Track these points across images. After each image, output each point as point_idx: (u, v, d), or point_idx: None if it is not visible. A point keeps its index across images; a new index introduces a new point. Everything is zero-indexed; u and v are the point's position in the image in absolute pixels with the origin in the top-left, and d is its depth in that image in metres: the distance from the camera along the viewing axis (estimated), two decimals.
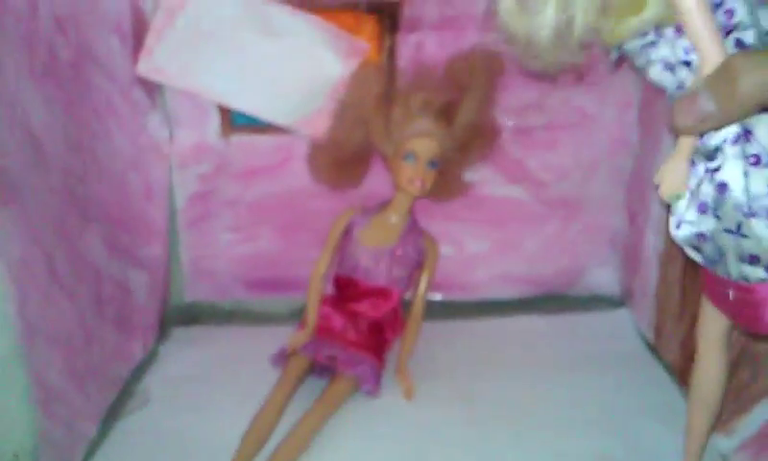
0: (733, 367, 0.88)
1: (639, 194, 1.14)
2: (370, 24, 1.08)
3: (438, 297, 1.24)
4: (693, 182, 0.63)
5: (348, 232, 1.06)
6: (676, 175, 0.64)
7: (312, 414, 0.92)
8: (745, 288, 0.63)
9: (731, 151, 0.59)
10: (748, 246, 0.60)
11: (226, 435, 0.90)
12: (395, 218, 1.05)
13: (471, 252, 1.20)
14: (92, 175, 0.91)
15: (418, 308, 1.09)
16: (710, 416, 0.80)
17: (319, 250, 1.14)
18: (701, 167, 0.62)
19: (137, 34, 1.04)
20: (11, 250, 0.70)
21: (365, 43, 1.06)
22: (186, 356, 1.10)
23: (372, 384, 0.99)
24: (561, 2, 0.63)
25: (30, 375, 0.74)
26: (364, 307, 1.06)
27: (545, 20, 0.64)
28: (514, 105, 1.12)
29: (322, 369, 1.01)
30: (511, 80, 1.07)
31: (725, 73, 0.55)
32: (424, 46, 1.09)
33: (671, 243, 1.03)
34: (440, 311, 1.22)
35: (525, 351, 1.11)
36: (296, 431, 0.90)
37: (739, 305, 0.65)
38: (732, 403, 0.88)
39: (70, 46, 0.85)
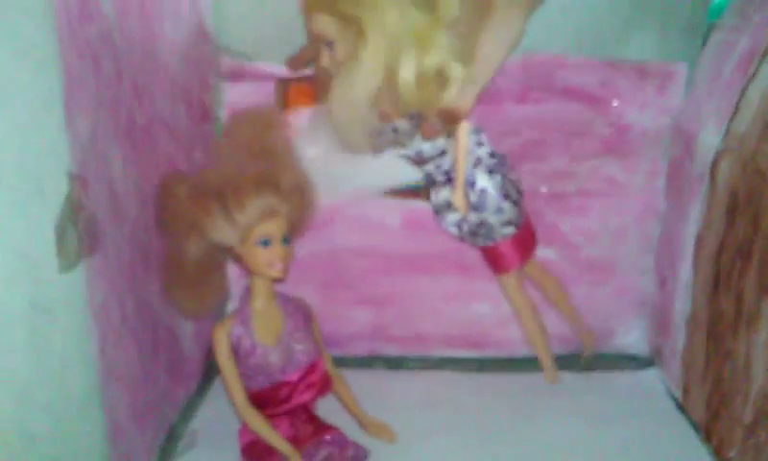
0: (752, 426, 0.92)
1: (669, 260, 1.20)
2: None
3: (474, 353, 1.29)
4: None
5: (236, 347, 0.98)
6: (464, 195, 1.10)
7: None
8: (502, 244, 1.14)
9: (477, 171, 1.10)
10: (506, 217, 1.11)
11: None
12: (267, 304, 1.00)
13: (507, 310, 1.25)
14: (154, 228, 0.98)
15: (331, 365, 1.07)
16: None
17: (356, 307, 1.24)
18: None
19: (202, 102, 1.13)
20: (94, 294, 0.77)
21: None
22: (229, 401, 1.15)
23: (364, 452, 1.01)
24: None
25: (105, 412, 0.80)
26: (301, 397, 1.01)
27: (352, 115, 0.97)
28: (546, 171, 1.19)
29: None
30: (544, 149, 1.15)
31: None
32: None
33: (697, 308, 1.08)
34: (475, 367, 1.28)
35: (556, 405, 1.15)
36: None
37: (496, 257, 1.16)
38: None
39: (144, 112, 0.94)
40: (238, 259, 0.98)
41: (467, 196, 1.11)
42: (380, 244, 1.24)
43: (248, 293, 1.00)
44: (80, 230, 0.73)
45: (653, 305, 1.26)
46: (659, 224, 1.23)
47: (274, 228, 0.94)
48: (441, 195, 1.14)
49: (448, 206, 1.13)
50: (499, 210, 1.10)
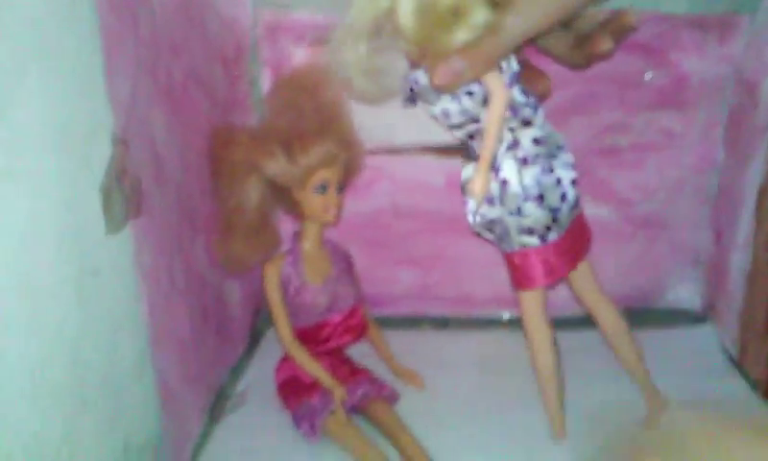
0: None
1: (726, 213, 1.16)
2: None
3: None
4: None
5: (286, 285, 1.03)
6: (485, 182, 0.86)
7: (405, 442, 0.94)
8: (519, 254, 0.90)
9: (506, 156, 0.86)
10: (527, 222, 0.87)
11: None
12: (316, 247, 1.04)
13: None
14: (199, 191, 0.98)
15: (369, 314, 1.12)
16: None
17: (402, 268, 1.23)
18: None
19: (238, 61, 1.11)
20: (143, 257, 0.76)
21: None
22: (277, 361, 1.15)
23: (397, 394, 1.05)
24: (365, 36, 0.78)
25: (156, 374, 0.80)
26: (340, 339, 1.06)
27: (353, 55, 0.80)
28: (599, 125, 1.15)
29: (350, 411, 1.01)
30: (596, 101, 1.10)
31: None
32: None
33: (758, 263, 1.04)
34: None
35: (608, 363, 1.12)
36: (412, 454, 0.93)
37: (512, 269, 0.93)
38: None
39: (182, 71, 0.92)
40: (292, 205, 1.02)
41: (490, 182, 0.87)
42: (425, 204, 1.22)
43: (298, 236, 1.05)
44: (125, 193, 0.72)
45: (708, 260, 1.23)
46: (715, 176, 1.18)
47: (331, 174, 0.99)
48: (465, 171, 0.92)
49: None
50: (518, 212, 0.87)
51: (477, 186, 0.86)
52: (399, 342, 1.16)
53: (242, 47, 1.13)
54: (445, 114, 0.86)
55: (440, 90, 0.82)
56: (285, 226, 1.08)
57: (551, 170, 0.87)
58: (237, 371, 1.14)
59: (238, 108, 1.13)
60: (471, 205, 0.90)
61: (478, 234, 0.95)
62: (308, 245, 1.04)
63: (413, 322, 1.29)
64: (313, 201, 0.99)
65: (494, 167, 0.86)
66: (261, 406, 1.06)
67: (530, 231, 0.88)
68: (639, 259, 1.24)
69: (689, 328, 1.23)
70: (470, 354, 1.20)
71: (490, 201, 0.88)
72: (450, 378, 1.12)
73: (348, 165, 1.03)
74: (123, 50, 0.74)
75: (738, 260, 1.11)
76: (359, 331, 1.08)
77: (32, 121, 0.57)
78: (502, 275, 1.24)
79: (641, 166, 1.18)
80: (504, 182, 0.86)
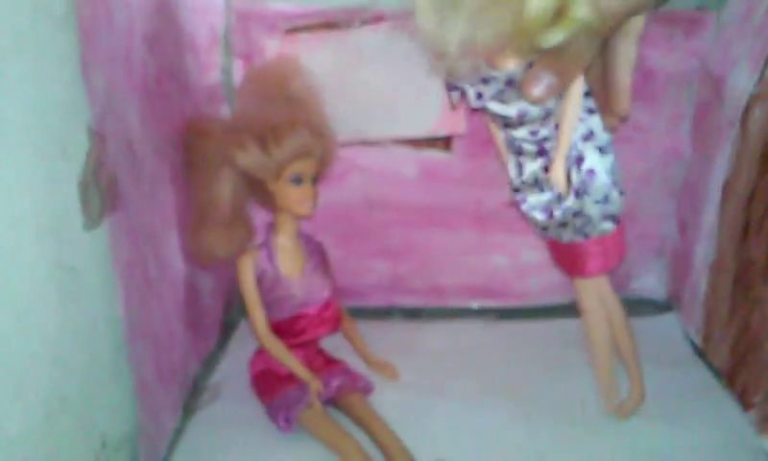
0: None
1: (691, 205, 1.18)
2: None
3: (493, 303, 1.30)
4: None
5: (261, 278, 1.02)
6: (565, 170, 0.85)
7: (381, 433, 0.94)
8: (596, 241, 0.91)
9: (586, 146, 0.84)
10: (610, 209, 0.87)
11: None
12: (292, 240, 1.04)
13: (525, 261, 1.24)
14: (171, 184, 0.97)
15: (342, 306, 1.12)
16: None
17: (374, 259, 1.23)
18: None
19: (210, 51, 1.10)
20: (119, 252, 0.76)
21: None
22: (250, 353, 1.15)
23: (371, 385, 1.05)
24: (471, 17, 0.70)
25: (132, 370, 0.80)
26: (315, 331, 1.05)
27: (454, 32, 0.71)
28: None
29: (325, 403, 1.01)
30: None
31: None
32: None
33: (722, 254, 1.07)
34: (494, 316, 1.28)
35: (574, 352, 1.15)
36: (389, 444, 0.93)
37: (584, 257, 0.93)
38: None
39: (156, 62, 0.91)
40: (267, 197, 1.02)
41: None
42: (397, 196, 1.22)
43: (273, 228, 1.05)
44: (102, 188, 0.71)
45: (673, 250, 1.26)
46: (682, 169, 1.21)
47: (306, 167, 0.99)
48: (528, 169, 0.88)
49: (536, 183, 0.88)
50: (605, 200, 0.87)
51: (561, 175, 0.85)
52: (371, 333, 1.17)
53: (214, 36, 1.12)
54: (523, 113, 0.82)
55: (535, 103, 0.79)
56: (259, 218, 1.08)
57: (615, 157, 0.88)
58: (210, 363, 1.13)
59: (210, 98, 1.12)
60: (543, 199, 0.88)
61: (544, 230, 0.92)
62: (283, 238, 1.04)
63: (384, 312, 1.30)
64: (288, 193, 0.99)
65: (575, 158, 0.85)
66: (235, 399, 1.06)
67: (612, 217, 0.89)
68: None
69: (654, 317, 1.26)
70: (441, 344, 1.21)
71: (574, 193, 0.86)
72: (422, 369, 1.13)
73: (322, 157, 1.02)
74: (98, 41, 0.72)
75: (702, 251, 1.14)
76: (334, 323, 1.08)
77: (8, 114, 0.56)
78: (472, 265, 1.28)
79: None
80: (591, 172, 0.85)
